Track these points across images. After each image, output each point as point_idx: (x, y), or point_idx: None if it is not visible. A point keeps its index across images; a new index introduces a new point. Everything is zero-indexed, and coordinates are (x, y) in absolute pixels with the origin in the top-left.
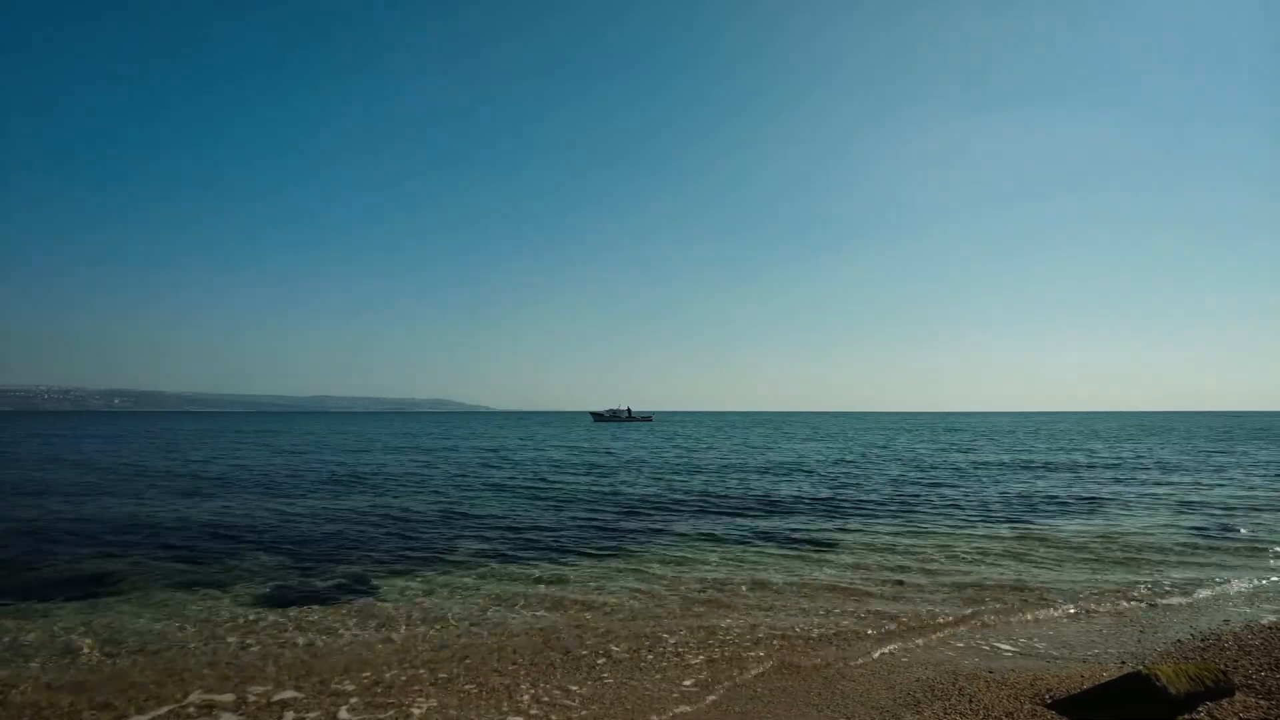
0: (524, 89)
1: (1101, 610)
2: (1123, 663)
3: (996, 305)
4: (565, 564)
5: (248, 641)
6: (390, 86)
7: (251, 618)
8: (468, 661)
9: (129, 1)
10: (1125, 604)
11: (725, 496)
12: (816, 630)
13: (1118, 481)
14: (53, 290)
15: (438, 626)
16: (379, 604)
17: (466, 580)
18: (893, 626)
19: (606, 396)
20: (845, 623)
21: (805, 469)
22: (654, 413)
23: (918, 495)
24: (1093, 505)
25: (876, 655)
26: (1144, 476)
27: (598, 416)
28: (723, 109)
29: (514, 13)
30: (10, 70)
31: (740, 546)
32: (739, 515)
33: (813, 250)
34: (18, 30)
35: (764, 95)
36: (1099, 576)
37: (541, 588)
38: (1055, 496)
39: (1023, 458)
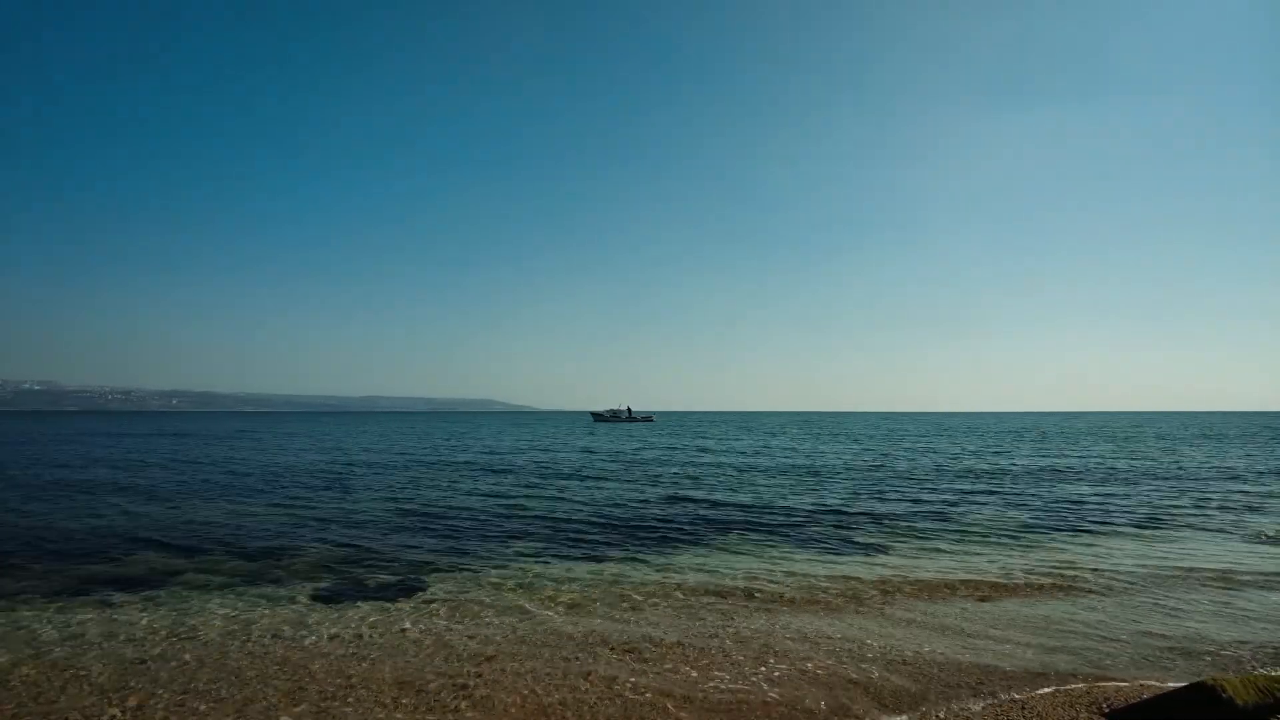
0: (527, 89)
1: (1161, 619)
2: (1186, 673)
3: (997, 305)
4: (579, 568)
5: (300, 640)
6: (404, 84)
7: (300, 618)
8: (508, 663)
9: (129, 1)
10: (1186, 613)
11: (750, 506)
12: (860, 629)
13: (1169, 490)
14: (115, 295)
15: (475, 627)
16: (419, 602)
17: (501, 582)
18: (945, 630)
19: (634, 395)
20: (891, 626)
21: (819, 473)
22: (655, 413)
23: (955, 504)
24: (1148, 514)
25: (925, 659)
26: (1193, 484)
27: (598, 417)
28: (728, 111)
29: (517, 12)
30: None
31: (768, 551)
32: (764, 521)
33: (814, 251)
34: (19, 30)
35: (769, 98)
36: (1157, 587)
37: (573, 586)
38: (1104, 505)
39: (1057, 463)
